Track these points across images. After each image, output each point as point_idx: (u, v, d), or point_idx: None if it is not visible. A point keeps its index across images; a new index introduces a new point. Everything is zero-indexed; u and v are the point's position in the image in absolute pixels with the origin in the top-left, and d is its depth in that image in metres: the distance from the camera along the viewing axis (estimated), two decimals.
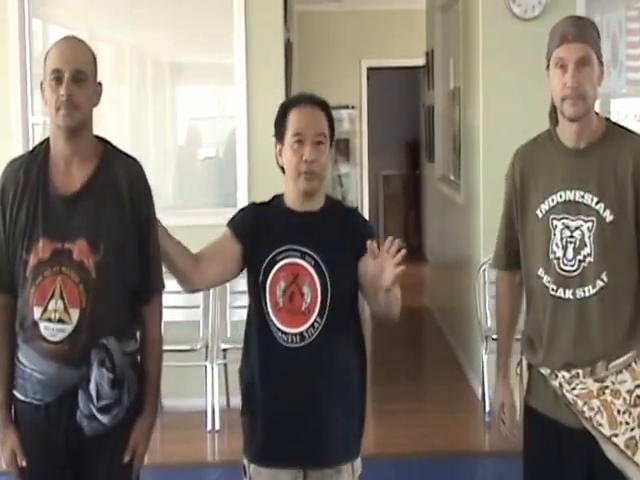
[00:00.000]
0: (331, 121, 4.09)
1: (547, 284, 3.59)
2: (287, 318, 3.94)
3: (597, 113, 3.69)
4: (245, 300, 8.17)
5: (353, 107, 15.49)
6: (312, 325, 3.87)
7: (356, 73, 15.47)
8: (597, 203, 3.52)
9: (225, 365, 8.22)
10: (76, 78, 3.57)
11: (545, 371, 3.68)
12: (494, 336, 7.80)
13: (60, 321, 3.47)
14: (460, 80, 9.62)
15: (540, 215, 3.64)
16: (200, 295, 8.07)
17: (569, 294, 3.56)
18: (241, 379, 4.24)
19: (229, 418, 8.03)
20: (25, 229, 3.55)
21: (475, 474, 7.30)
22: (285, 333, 3.93)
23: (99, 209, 3.60)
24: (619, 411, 3.47)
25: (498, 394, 3.98)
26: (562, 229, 3.57)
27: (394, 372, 9.74)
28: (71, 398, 3.53)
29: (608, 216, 3.51)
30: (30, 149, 3.76)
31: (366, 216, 15.72)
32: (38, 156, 3.64)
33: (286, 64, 8.66)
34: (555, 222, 3.59)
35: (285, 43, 8.64)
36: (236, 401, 8.02)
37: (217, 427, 7.91)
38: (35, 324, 3.49)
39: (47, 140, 3.68)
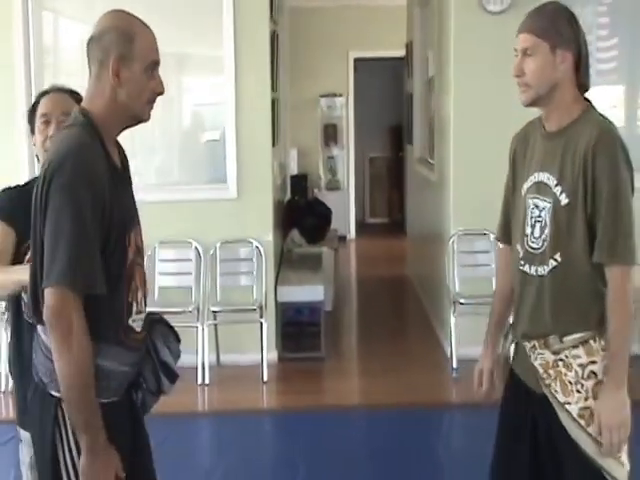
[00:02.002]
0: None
1: (519, 259, 3.58)
2: None
3: (587, 99, 3.54)
4: (232, 267, 8.40)
5: (341, 95, 15.55)
6: None
7: (344, 63, 15.55)
8: (556, 186, 3.46)
9: (215, 326, 8.38)
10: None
11: (515, 339, 3.69)
12: (462, 300, 8.07)
13: (140, 312, 3.23)
14: (435, 70, 9.67)
15: (522, 194, 3.61)
16: (192, 263, 8.28)
17: (532, 270, 3.54)
18: None
19: (218, 373, 8.25)
20: (123, 221, 3.14)
21: (443, 423, 7.40)
22: None
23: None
24: (570, 382, 3.42)
25: (480, 360, 3.88)
26: (532, 208, 3.54)
27: (376, 334, 9.93)
28: (131, 385, 3.27)
29: (563, 199, 3.43)
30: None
31: (353, 195, 15.95)
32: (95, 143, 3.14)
33: (272, 54, 8.72)
34: (529, 201, 3.56)
35: (271, 35, 8.69)
36: (225, 358, 8.29)
37: (207, 381, 8.03)
38: (129, 321, 3.17)
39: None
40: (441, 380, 8.17)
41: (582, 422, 3.38)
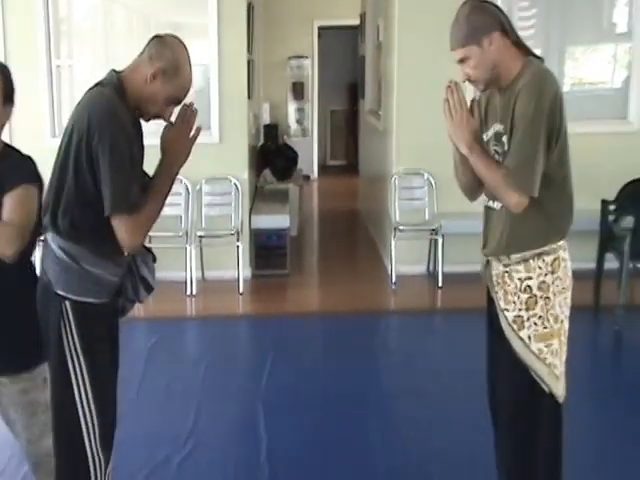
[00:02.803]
0: (6, 82, 3.43)
1: (485, 196, 3.55)
2: None
3: (533, 54, 3.40)
4: (215, 199, 8.61)
5: (307, 57, 15.53)
6: None
7: (309, 30, 15.49)
8: (505, 134, 3.37)
9: (200, 248, 8.55)
10: None
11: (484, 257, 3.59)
12: (401, 227, 8.31)
13: None
14: (383, 35, 9.71)
15: (486, 140, 3.48)
16: (182, 196, 8.40)
17: (493, 204, 3.48)
18: None
19: (203, 286, 8.44)
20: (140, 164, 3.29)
21: (383, 325, 7.58)
22: None
23: None
24: (510, 292, 3.39)
25: None
26: (494, 154, 3.43)
27: (332, 255, 10.13)
28: (117, 293, 3.33)
29: (506, 143, 3.36)
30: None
31: (316, 141, 16.08)
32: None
33: (248, 23, 8.80)
34: (491, 149, 3.45)
35: (247, 6, 8.77)
36: (208, 274, 8.55)
37: (194, 292, 8.22)
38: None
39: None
40: (383, 291, 8.37)
41: (515, 327, 3.37)
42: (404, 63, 8.55)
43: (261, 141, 12.48)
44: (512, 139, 3.28)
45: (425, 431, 5.21)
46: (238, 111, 8.67)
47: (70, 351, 3.19)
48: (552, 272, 3.36)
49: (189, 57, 3.30)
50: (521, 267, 3.38)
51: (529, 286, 3.36)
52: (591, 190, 7.75)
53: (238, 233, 8.42)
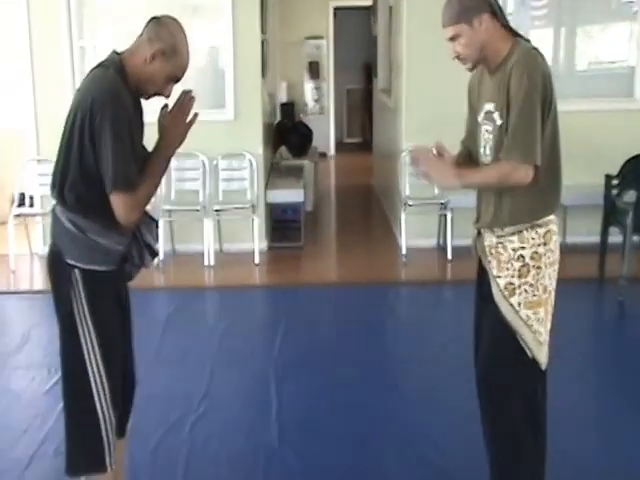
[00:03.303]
0: None
1: None
2: None
3: (519, 35, 3.45)
4: (231, 174, 8.72)
5: (322, 37, 15.55)
6: None
7: (325, 11, 15.54)
8: (495, 111, 3.40)
9: (218, 221, 8.66)
10: None
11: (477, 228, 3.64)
12: (410, 202, 8.41)
13: None
14: (393, 15, 9.76)
15: (478, 122, 3.51)
16: (200, 171, 8.53)
17: None
18: None
19: (221, 258, 8.55)
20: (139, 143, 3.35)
21: (393, 296, 7.65)
22: None
23: None
24: (503, 261, 3.43)
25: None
26: (484, 133, 3.48)
27: (345, 228, 10.26)
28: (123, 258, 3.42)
29: (498, 120, 3.38)
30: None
31: (332, 119, 16.12)
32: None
33: (262, 3, 8.89)
34: (482, 127, 3.48)
35: None
36: (226, 246, 8.66)
37: (212, 264, 8.34)
38: None
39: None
40: (394, 264, 8.43)
41: (506, 293, 3.42)
42: (412, 41, 8.57)
43: (278, 119, 12.54)
44: (510, 115, 3.31)
45: (432, 397, 5.30)
46: (252, 89, 8.75)
47: (80, 317, 3.29)
48: (544, 244, 3.41)
49: (186, 38, 3.36)
50: (515, 238, 3.42)
51: (522, 255, 3.40)
52: (596, 166, 7.82)
53: (253, 207, 8.52)
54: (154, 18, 3.35)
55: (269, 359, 5.94)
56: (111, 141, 3.13)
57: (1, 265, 8.41)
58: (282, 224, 9.33)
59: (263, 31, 9.16)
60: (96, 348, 3.30)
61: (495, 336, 3.50)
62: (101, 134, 3.13)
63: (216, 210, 8.56)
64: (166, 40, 3.28)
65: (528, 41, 3.44)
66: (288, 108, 14.03)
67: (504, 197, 3.42)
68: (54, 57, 8.43)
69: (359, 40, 15.60)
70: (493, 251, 3.49)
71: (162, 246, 8.19)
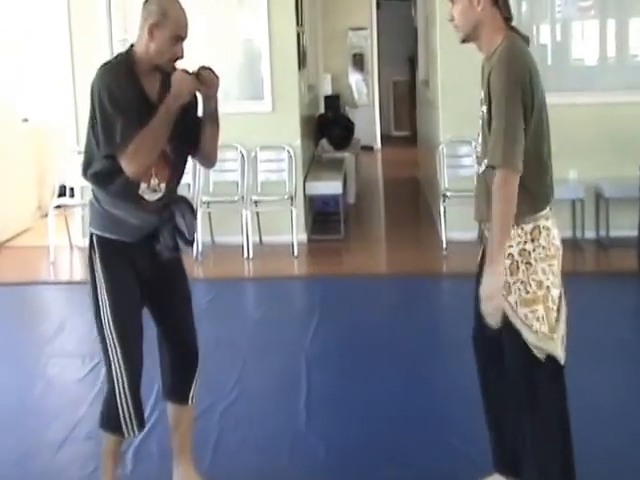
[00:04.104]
0: None
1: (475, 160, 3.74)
2: None
3: (516, 30, 3.49)
4: (269, 166, 8.88)
5: (366, 28, 15.62)
6: None
7: (367, 3, 15.63)
8: (482, 102, 3.44)
9: (257, 213, 8.81)
10: None
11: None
12: (448, 194, 8.49)
13: (155, 190, 3.61)
14: (429, 9, 9.88)
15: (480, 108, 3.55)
16: (238, 162, 8.70)
17: (478, 169, 3.55)
18: None
19: (260, 249, 8.70)
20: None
21: (431, 288, 7.74)
22: None
23: None
24: None
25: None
26: (480, 121, 3.50)
27: (387, 221, 10.49)
28: (152, 237, 3.66)
29: (485, 112, 3.42)
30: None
31: (377, 112, 16.15)
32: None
33: None
34: (480, 115, 3.51)
35: None
36: (265, 238, 8.81)
37: (251, 255, 8.46)
38: (139, 191, 3.59)
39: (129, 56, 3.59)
40: (434, 256, 8.49)
41: (504, 292, 3.38)
42: (447, 33, 8.59)
43: (321, 111, 12.66)
44: (492, 113, 3.34)
45: (458, 384, 5.29)
46: (289, 81, 8.91)
47: (97, 277, 3.65)
48: (532, 240, 3.39)
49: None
50: None
51: (510, 253, 3.38)
52: (632, 158, 7.86)
53: (292, 198, 8.64)
54: (145, 1, 3.59)
55: (302, 348, 6.06)
56: (99, 112, 3.46)
57: (41, 256, 8.64)
58: (323, 216, 9.48)
59: (299, 23, 9.30)
60: (108, 309, 3.63)
61: (504, 337, 3.49)
62: (94, 109, 3.48)
63: (255, 201, 8.71)
64: (155, 12, 3.51)
65: (526, 38, 3.49)
66: (332, 100, 14.13)
67: (487, 191, 3.44)
68: (95, 49, 8.58)
69: (403, 31, 15.57)
70: (489, 247, 3.48)
71: (201, 237, 8.38)
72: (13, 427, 4.95)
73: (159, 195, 3.65)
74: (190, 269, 7.82)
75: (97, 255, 3.65)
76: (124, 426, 3.67)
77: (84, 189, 8.56)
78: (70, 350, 6.26)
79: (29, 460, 4.54)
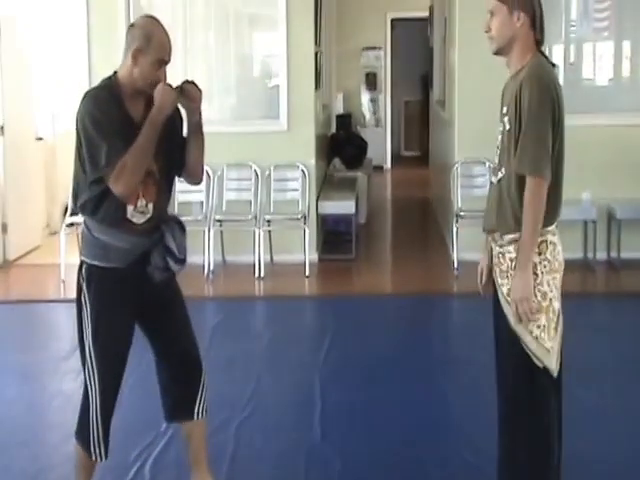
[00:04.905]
0: None
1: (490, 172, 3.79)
2: None
3: (541, 52, 3.65)
4: (283, 185, 9.01)
5: (380, 48, 15.86)
6: None
7: (382, 22, 15.87)
8: (505, 115, 3.60)
9: (269, 231, 8.92)
10: None
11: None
12: (462, 214, 8.55)
13: (143, 212, 3.69)
14: (447, 28, 10.00)
15: (499, 118, 3.71)
16: (252, 181, 8.82)
17: (493, 179, 3.68)
18: None
19: (271, 269, 8.81)
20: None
21: (446, 307, 7.94)
22: None
23: None
24: (504, 270, 3.58)
25: (480, 262, 3.90)
26: (499, 134, 3.66)
27: (398, 241, 10.61)
28: (144, 259, 3.74)
29: (507, 125, 3.57)
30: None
31: (389, 131, 16.29)
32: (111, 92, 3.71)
33: (315, 16, 9.22)
34: (499, 129, 3.67)
35: (315, 1, 9.19)
36: (276, 257, 8.94)
37: (262, 275, 8.56)
38: (127, 215, 3.68)
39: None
40: (445, 276, 8.63)
41: (509, 299, 3.55)
42: (465, 54, 8.82)
43: (333, 130, 12.80)
44: (522, 127, 3.49)
45: (470, 399, 5.52)
46: (306, 100, 9.06)
47: (84, 305, 3.74)
48: (539, 253, 3.54)
49: (159, 22, 3.71)
50: (512, 247, 3.56)
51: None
52: None
53: (305, 217, 8.77)
54: (129, 26, 3.74)
55: (315, 366, 6.20)
56: (84, 138, 3.57)
57: (52, 274, 8.72)
58: (334, 236, 9.59)
59: (317, 42, 9.49)
60: (91, 337, 3.73)
61: (508, 346, 3.65)
62: (79, 136, 3.60)
63: (267, 220, 8.83)
64: (138, 37, 3.64)
65: (552, 64, 3.67)
66: (344, 120, 14.28)
67: (504, 205, 3.59)
68: (111, 68, 8.70)
69: (417, 51, 15.80)
70: (497, 260, 3.66)
71: (212, 256, 8.54)
72: (32, 442, 5.11)
73: (147, 216, 3.73)
74: (201, 288, 8.13)
75: (85, 283, 3.74)
76: (92, 448, 3.82)
77: None
78: None
79: (48, 473, 4.71)
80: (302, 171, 8.95)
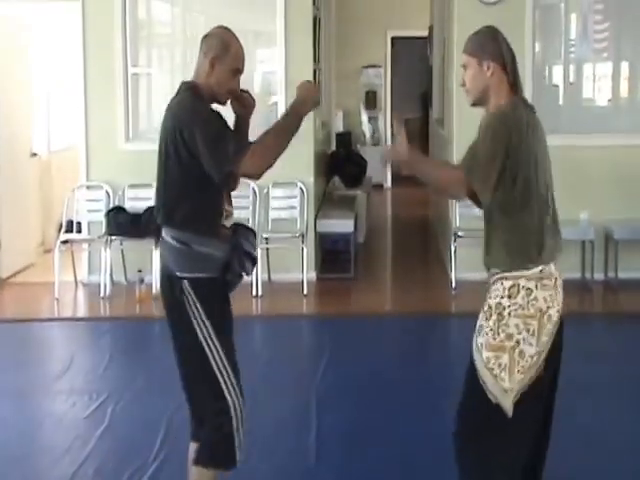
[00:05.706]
0: None
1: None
2: None
3: (522, 98, 3.66)
4: (281, 203, 8.97)
5: (380, 66, 15.92)
6: None
7: (382, 41, 15.92)
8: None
9: (267, 249, 8.89)
10: None
11: None
12: (460, 233, 8.57)
13: (228, 217, 3.80)
14: (445, 48, 10.05)
15: None
16: (250, 199, 8.83)
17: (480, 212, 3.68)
18: None
19: (269, 287, 8.78)
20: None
21: (444, 326, 7.96)
22: None
23: None
24: (484, 310, 3.53)
25: None
26: None
27: (397, 260, 10.67)
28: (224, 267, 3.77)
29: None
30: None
31: None
32: None
33: (314, 35, 9.24)
34: None
35: (314, 19, 9.23)
36: (274, 276, 8.92)
37: (260, 293, 8.53)
38: (222, 219, 3.77)
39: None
40: (443, 296, 8.66)
41: (476, 332, 3.53)
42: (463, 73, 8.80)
43: (333, 148, 12.82)
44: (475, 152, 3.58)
45: None
46: (304, 118, 8.99)
47: (196, 320, 3.70)
48: (509, 296, 3.47)
49: (234, 34, 3.86)
50: (496, 286, 3.52)
51: (489, 304, 3.52)
52: None
53: (303, 236, 8.78)
54: (204, 36, 3.85)
55: (312, 386, 6.19)
56: (204, 135, 3.58)
57: (46, 293, 8.71)
58: (332, 255, 9.58)
59: (316, 60, 9.51)
60: (217, 345, 3.75)
61: (467, 379, 3.65)
62: (195, 136, 3.59)
63: (265, 238, 8.82)
64: (216, 45, 3.78)
65: (531, 107, 3.65)
66: (344, 138, 14.30)
67: (491, 242, 3.58)
68: (107, 84, 8.80)
69: (417, 70, 15.81)
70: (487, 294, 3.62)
71: None
72: (22, 463, 5.08)
73: (231, 220, 3.84)
74: None
75: (194, 299, 3.69)
76: (238, 455, 3.83)
77: (92, 224, 8.57)
78: (77, 387, 6.38)
79: None
80: (301, 189, 8.97)
